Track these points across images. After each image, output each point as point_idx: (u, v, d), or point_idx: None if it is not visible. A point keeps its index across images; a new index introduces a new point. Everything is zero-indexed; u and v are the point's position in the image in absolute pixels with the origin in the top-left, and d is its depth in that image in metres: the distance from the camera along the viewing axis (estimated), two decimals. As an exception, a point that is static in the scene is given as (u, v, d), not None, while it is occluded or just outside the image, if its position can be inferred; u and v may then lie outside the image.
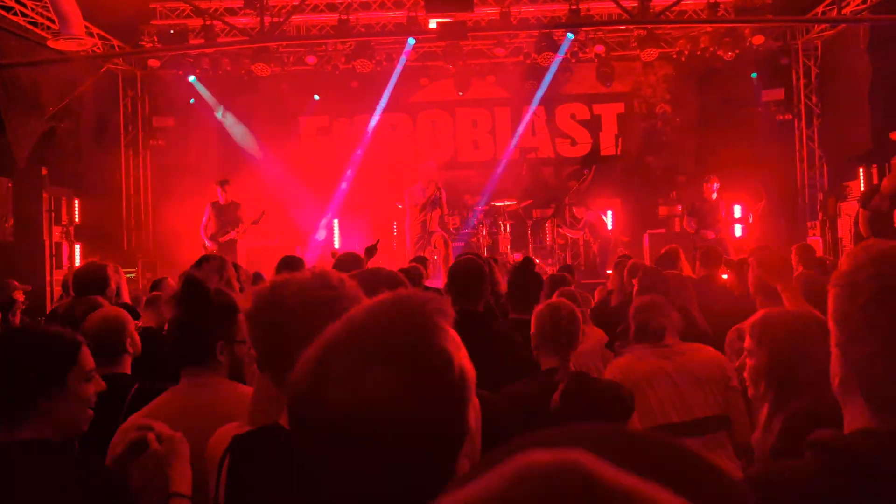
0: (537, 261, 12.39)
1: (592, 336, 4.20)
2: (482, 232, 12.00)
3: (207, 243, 10.91)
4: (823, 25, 12.39)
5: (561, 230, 12.65)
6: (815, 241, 11.77)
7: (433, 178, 10.87)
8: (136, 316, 4.00)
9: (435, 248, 10.67)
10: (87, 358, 2.07)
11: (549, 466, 0.48)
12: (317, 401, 0.95)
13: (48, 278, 10.55)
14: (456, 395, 0.98)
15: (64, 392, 1.97)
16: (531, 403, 2.76)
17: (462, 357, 1.01)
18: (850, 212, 10.98)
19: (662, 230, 12.30)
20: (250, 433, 1.60)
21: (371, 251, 5.61)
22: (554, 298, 3.38)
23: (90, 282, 4.25)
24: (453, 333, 1.01)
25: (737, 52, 12.36)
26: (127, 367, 3.10)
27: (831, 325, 1.25)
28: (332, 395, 0.94)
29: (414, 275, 5.20)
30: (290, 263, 4.10)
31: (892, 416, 1.19)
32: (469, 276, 3.51)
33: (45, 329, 2.10)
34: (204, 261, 3.99)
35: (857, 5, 10.80)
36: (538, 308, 3.13)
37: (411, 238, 11.10)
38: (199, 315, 2.34)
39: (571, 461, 0.48)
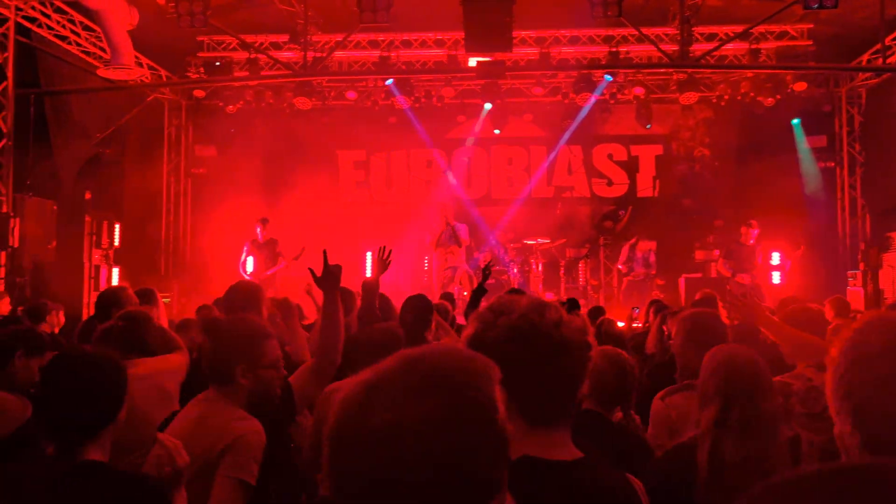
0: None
1: None
2: (513, 270, 11.95)
3: (248, 279, 11.01)
4: (868, 73, 12.23)
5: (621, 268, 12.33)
6: (856, 291, 11.50)
7: (444, 214, 11.02)
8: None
9: (461, 284, 10.75)
10: None
11: None
12: (360, 426, 0.95)
13: (86, 300, 10.71)
14: (496, 442, 0.98)
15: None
16: None
17: (506, 417, 1.01)
18: (892, 263, 10.73)
19: (699, 274, 12.12)
20: None
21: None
22: (609, 348, 3.26)
23: (108, 303, 4.37)
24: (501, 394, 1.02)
25: (777, 97, 12.26)
26: None
27: None
28: (376, 421, 0.94)
29: (442, 312, 5.18)
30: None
31: None
32: None
33: (108, 356, 2.15)
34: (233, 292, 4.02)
35: (903, 54, 10.68)
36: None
37: (437, 273, 11.25)
38: (220, 341, 2.57)
39: None
